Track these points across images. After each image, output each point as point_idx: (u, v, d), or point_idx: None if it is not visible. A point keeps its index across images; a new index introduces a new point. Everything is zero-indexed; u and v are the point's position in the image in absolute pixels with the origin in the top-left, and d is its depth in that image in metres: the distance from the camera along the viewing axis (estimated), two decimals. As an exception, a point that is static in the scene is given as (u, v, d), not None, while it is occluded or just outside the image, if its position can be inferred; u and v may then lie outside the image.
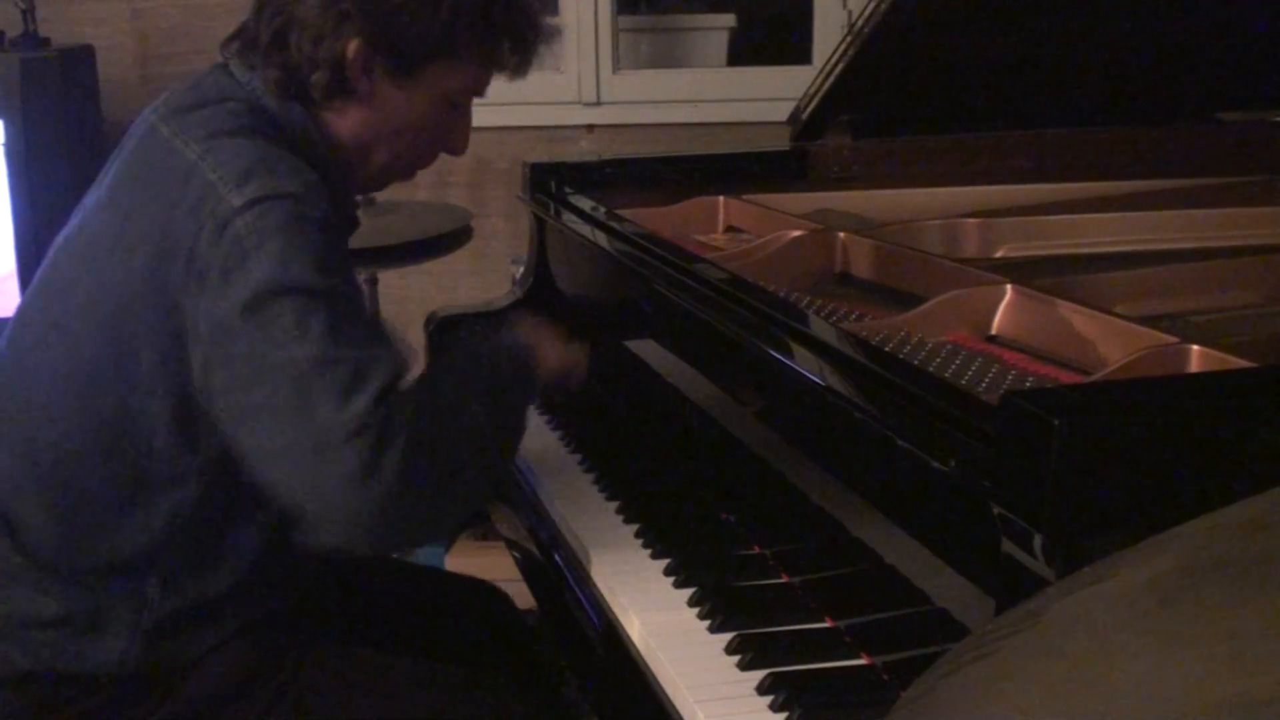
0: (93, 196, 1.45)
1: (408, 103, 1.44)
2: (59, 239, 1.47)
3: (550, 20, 1.54)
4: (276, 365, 1.28)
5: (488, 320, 1.98)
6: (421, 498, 1.31)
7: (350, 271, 1.39)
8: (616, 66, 3.36)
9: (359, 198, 2.56)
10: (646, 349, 1.84)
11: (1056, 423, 0.92)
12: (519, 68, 1.50)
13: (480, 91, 1.51)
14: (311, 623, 1.52)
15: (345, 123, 1.45)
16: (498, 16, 1.45)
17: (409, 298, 3.35)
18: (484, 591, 1.86)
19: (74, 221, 1.46)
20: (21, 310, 1.48)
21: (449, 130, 1.51)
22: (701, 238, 2.00)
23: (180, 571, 1.40)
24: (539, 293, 2.24)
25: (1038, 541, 0.94)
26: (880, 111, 2.27)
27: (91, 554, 1.39)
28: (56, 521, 1.39)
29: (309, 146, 1.42)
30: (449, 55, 1.43)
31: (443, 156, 1.56)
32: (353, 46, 1.39)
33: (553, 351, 1.57)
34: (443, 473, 1.34)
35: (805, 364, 1.33)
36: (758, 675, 1.18)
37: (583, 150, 3.30)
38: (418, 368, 1.43)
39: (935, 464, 1.07)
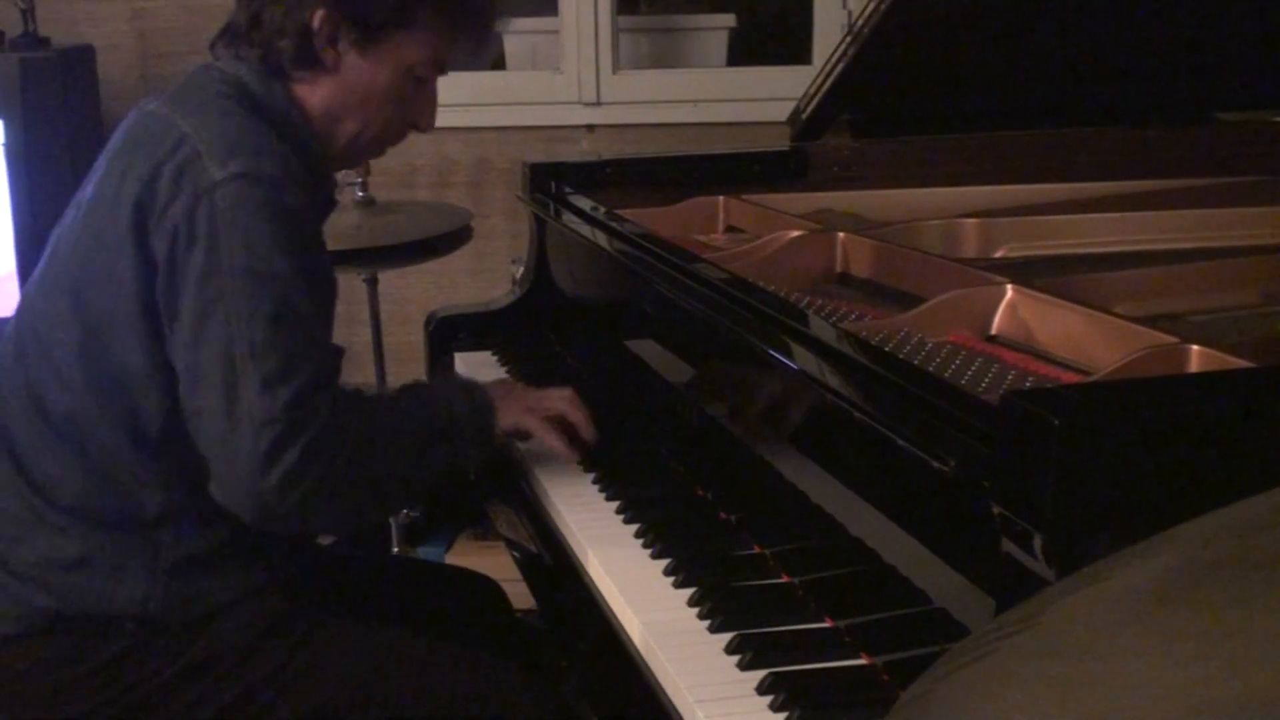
0: (90, 184, 1.52)
1: (372, 73, 1.52)
2: (57, 231, 1.55)
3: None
4: (215, 337, 1.37)
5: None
6: (314, 495, 1.40)
7: (316, 260, 1.46)
8: (616, 66, 3.35)
9: (360, 193, 2.59)
10: (646, 349, 1.84)
11: (1056, 423, 0.92)
12: (477, 41, 1.58)
13: (443, 67, 1.58)
14: (319, 591, 1.59)
15: (316, 94, 1.53)
16: None
17: (409, 298, 3.35)
18: (477, 583, 1.88)
19: (71, 211, 1.54)
20: (28, 293, 1.56)
21: (414, 104, 1.58)
22: (701, 238, 2.00)
23: (190, 518, 1.47)
24: (539, 293, 2.24)
25: (1038, 541, 0.94)
26: (880, 111, 2.27)
27: (109, 504, 1.47)
28: (74, 474, 1.47)
29: (290, 125, 1.51)
30: (409, 25, 1.51)
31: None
32: (318, 16, 1.48)
33: (512, 410, 1.63)
34: (344, 482, 1.43)
35: (805, 364, 1.33)
36: (758, 675, 1.18)
37: (583, 150, 3.30)
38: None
39: (935, 464, 1.07)
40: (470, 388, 1.63)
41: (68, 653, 1.46)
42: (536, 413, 1.66)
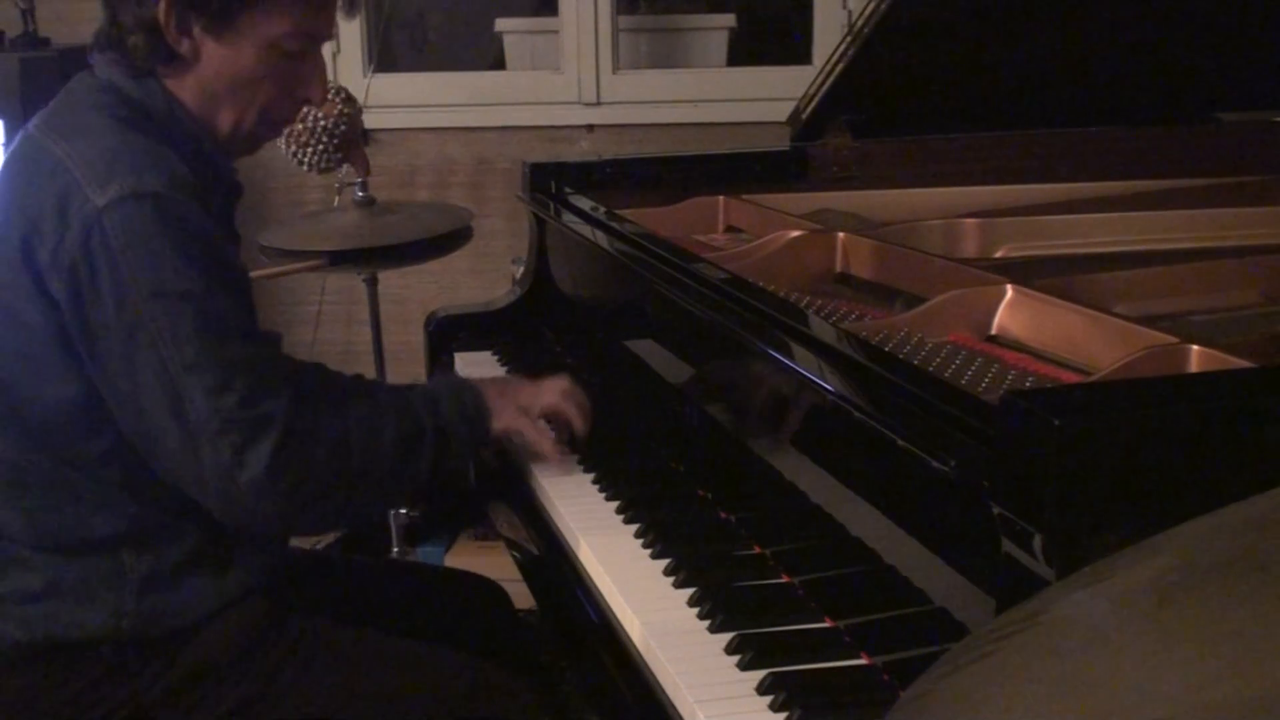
0: None
1: (233, 57, 1.44)
2: None
3: None
4: (147, 364, 1.35)
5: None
6: (292, 494, 1.39)
7: (225, 259, 1.41)
8: (616, 66, 3.35)
9: (360, 193, 2.59)
10: (646, 349, 1.84)
11: (1056, 423, 0.92)
12: (346, 7, 1.52)
13: (315, 35, 1.49)
14: (303, 598, 1.57)
15: (186, 87, 1.46)
16: None
17: (409, 298, 3.35)
18: (480, 585, 1.87)
19: None
20: None
21: (294, 79, 1.50)
22: (701, 238, 2.00)
23: (148, 538, 1.45)
24: (539, 293, 2.25)
25: (1038, 541, 0.94)
26: (880, 111, 2.27)
27: (63, 533, 1.44)
28: (20, 511, 1.45)
29: (175, 122, 1.45)
30: (258, 2, 1.42)
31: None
32: (161, 8, 1.41)
33: (506, 411, 1.61)
34: (324, 482, 1.42)
35: (805, 364, 1.33)
36: (758, 675, 1.18)
37: (583, 150, 3.30)
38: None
39: (935, 464, 1.07)
40: (462, 389, 1.59)
41: (46, 681, 1.44)
42: (531, 412, 1.63)
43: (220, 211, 1.49)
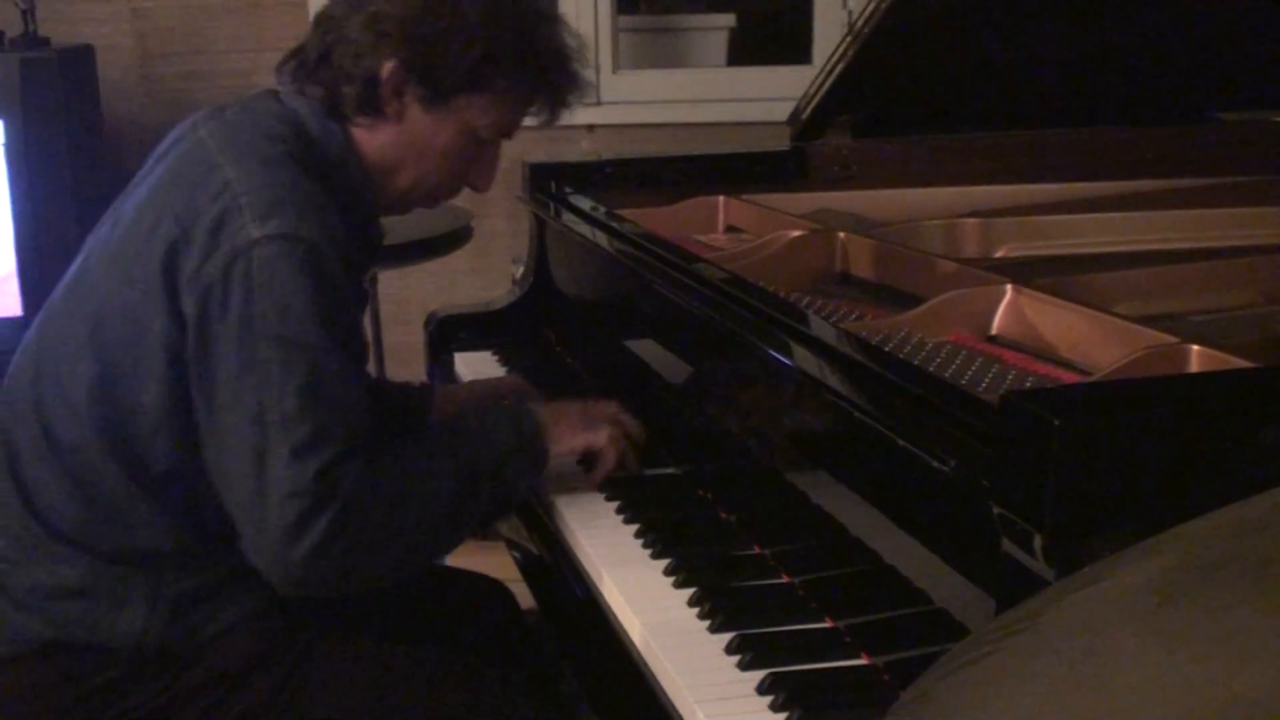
0: (131, 199, 1.47)
1: (433, 130, 1.48)
2: (92, 239, 1.51)
3: (583, 73, 1.57)
4: (246, 404, 1.34)
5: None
6: (344, 563, 1.37)
7: (351, 323, 1.43)
8: (616, 66, 3.35)
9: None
10: (646, 349, 1.84)
11: (1056, 423, 0.92)
12: (550, 113, 1.55)
13: (509, 132, 1.54)
14: (317, 609, 1.55)
15: (374, 141, 1.49)
16: (533, 62, 1.49)
17: (409, 298, 3.35)
18: (485, 585, 1.87)
19: (109, 221, 1.49)
20: (53, 302, 1.51)
21: (470, 163, 1.54)
22: (701, 238, 2.00)
23: (192, 554, 1.45)
24: (539, 293, 2.25)
25: (1038, 541, 0.94)
26: (880, 111, 2.27)
27: (109, 537, 1.44)
28: (75, 505, 1.44)
29: (343, 169, 1.48)
30: (480, 90, 1.47)
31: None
32: (388, 67, 1.44)
33: (569, 435, 1.58)
34: (377, 546, 1.40)
35: (805, 364, 1.33)
36: (758, 675, 1.18)
37: (583, 150, 3.30)
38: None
39: (935, 464, 1.07)
40: (517, 418, 1.56)
41: (61, 677, 1.43)
42: (599, 432, 1.60)
43: (354, 270, 1.49)
